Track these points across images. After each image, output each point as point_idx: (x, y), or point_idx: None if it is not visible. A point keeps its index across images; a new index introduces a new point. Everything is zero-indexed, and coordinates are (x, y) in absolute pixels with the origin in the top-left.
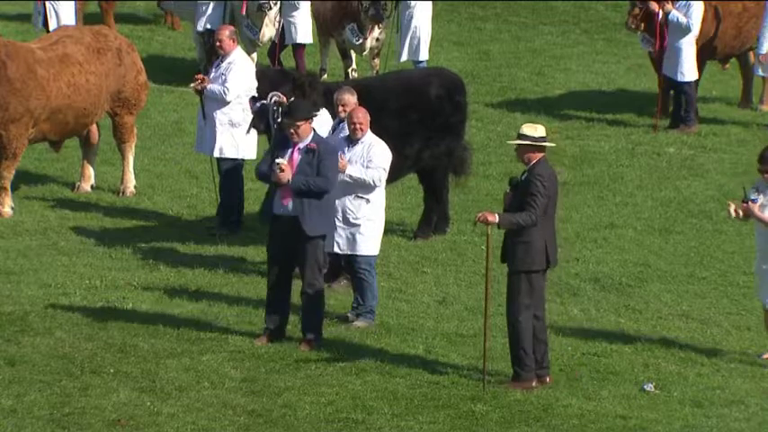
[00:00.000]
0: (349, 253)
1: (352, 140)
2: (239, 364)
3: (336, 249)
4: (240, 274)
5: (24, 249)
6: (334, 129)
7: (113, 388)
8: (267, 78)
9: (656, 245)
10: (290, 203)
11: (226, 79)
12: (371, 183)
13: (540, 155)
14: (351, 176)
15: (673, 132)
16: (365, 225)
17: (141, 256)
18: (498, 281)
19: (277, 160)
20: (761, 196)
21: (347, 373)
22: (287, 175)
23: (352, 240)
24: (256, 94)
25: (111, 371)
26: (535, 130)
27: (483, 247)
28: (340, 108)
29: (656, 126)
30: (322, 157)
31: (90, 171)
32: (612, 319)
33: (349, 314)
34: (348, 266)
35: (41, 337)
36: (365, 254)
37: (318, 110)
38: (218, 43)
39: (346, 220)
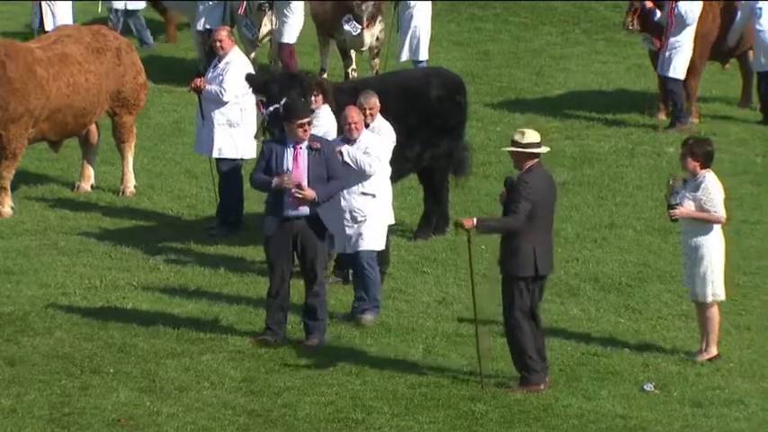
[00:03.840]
0: (360, 249)
1: (348, 141)
2: (239, 364)
3: (349, 249)
4: (240, 273)
5: (24, 249)
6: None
7: (113, 388)
8: (276, 81)
9: (655, 245)
10: (305, 205)
11: (223, 79)
12: (363, 167)
13: (531, 161)
14: (348, 154)
15: (672, 132)
16: (373, 221)
17: (141, 256)
18: (498, 281)
19: (288, 181)
20: (679, 194)
21: (347, 373)
22: (311, 193)
23: (356, 237)
24: (264, 99)
25: (111, 371)
26: (523, 135)
27: (483, 247)
28: (368, 113)
29: (659, 126)
30: (329, 157)
31: (90, 171)
32: (612, 319)
33: (342, 315)
34: (351, 264)
35: (41, 336)
36: (366, 249)
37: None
38: (218, 43)
39: (354, 219)
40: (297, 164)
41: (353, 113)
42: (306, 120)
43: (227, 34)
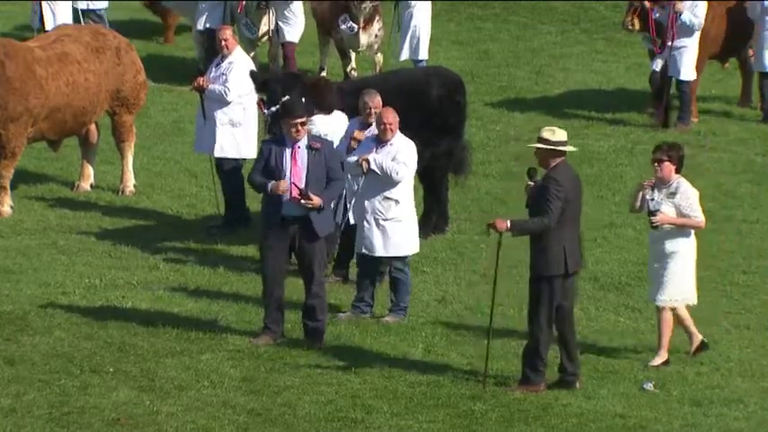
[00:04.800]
0: (384, 255)
1: (381, 141)
2: (239, 363)
3: (364, 250)
4: (239, 273)
5: (24, 248)
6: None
7: (113, 387)
8: (279, 81)
9: None
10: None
11: (227, 79)
12: (390, 174)
13: (558, 159)
14: (374, 162)
15: (672, 132)
16: (396, 226)
17: (141, 255)
18: (496, 280)
19: (283, 188)
20: (655, 200)
21: (347, 372)
22: (317, 201)
23: (386, 243)
24: (265, 98)
25: (111, 370)
26: (553, 133)
27: (483, 246)
28: (371, 111)
29: (659, 125)
30: (328, 158)
31: (89, 170)
32: (612, 319)
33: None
34: (362, 265)
35: (41, 336)
36: (401, 255)
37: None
38: (223, 42)
39: (376, 222)
40: (296, 163)
41: (389, 115)
42: (300, 120)
43: (232, 33)
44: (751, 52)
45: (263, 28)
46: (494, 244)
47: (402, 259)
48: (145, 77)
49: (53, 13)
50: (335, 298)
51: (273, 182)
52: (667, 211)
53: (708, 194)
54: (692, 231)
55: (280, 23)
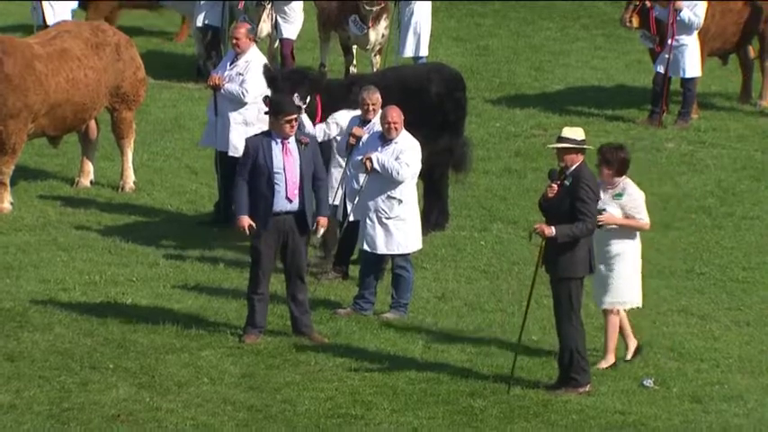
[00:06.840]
0: (387, 253)
1: (385, 139)
2: (239, 360)
3: (366, 247)
4: (239, 269)
5: (24, 245)
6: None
7: (113, 383)
8: (288, 79)
9: (654, 240)
10: (296, 199)
11: (244, 80)
12: (391, 172)
13: (581, 157)
14: (377, 161)
15: (673, 129)
16: (399, 225)
17: (141, 252)
18: (497, 277)
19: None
20: (603, 197)
21: (346, 369)
22: (324, 223)
23: (388, 240)
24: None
25: (111, 366)
26: (575, 132)
27: (482, 243)
28: (370, 108)
29: (660, 122)
30: (315, 153)
31: (89, 166)
32: None
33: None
34: (367, 262)
35: (41, 332)
36: (403, 252)
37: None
38: (234, 41)
39: (379, 220)
40: (289, 157)
41: (394, 113)
42: (294, 116)
43: (247, 32)
44: (751, 49)
45: (263, 25)
46: (534, 248)
47: (405, 256)
48: (144, 74)
49: (53, 10)
50: (336, 295)
51: (239, 218)
52: (613, 212)
53: (708, 191)
54: (638, 234)
55: (278, 20)
